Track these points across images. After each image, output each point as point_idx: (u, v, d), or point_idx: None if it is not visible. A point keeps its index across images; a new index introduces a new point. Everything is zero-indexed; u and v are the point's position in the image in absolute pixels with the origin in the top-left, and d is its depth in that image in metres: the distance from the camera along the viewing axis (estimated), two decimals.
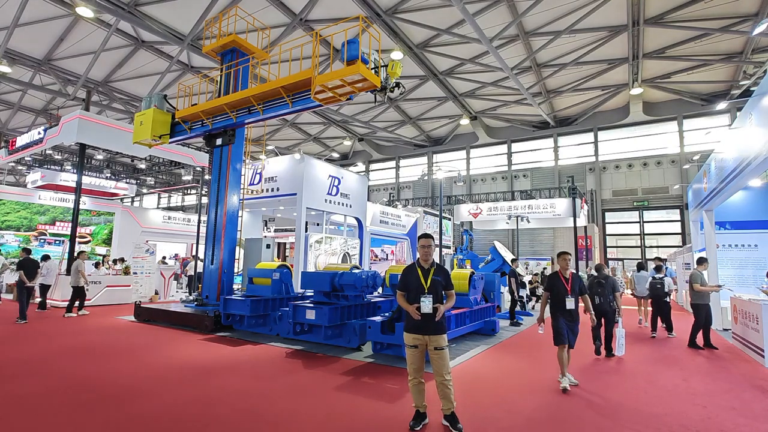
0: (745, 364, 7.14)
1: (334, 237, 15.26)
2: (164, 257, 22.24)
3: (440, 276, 4.15)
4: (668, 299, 9.78)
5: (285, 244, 25.61)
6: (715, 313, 11.05)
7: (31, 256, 10.59)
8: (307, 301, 8.04)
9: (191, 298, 11.05)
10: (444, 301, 4.14)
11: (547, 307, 5.77)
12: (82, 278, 11.28)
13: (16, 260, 15.47)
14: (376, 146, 35.94)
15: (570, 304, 5.48)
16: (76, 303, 11.30)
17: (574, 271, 5.74)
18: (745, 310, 8.09)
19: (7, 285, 15.75)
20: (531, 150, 30.96)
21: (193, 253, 19.21)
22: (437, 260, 4.87)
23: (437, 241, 23.24)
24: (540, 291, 16.84)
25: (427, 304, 3.97)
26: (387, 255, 20.90)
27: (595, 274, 7.74)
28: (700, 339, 8.49)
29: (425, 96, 25.65)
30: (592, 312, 5.88)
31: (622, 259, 27.39)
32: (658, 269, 10.04)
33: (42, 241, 21.36)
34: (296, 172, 13.97)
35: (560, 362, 5.51)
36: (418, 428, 3.95)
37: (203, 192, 19.02)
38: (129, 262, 15.64)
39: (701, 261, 8.88)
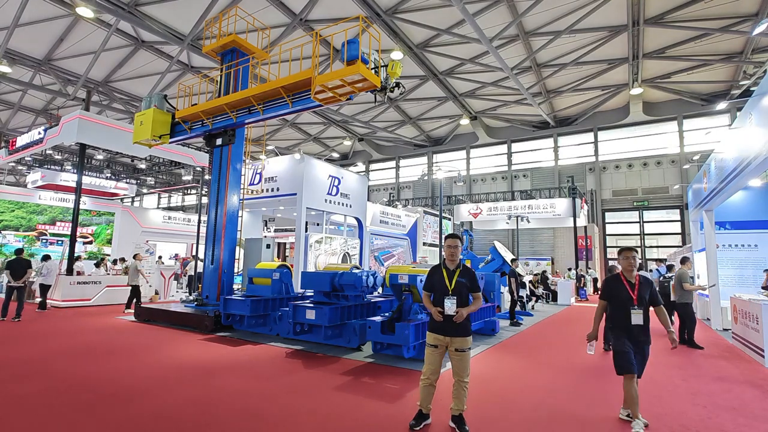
0: (745, 364, 7.14)
1: (334, 237, 15.26)
2: (160, 257, 22.22)
3: (465, 278, 4.07)
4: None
5: (285, 244, 25.61)
6: (714, 313, 11.10)
7: (22, 257, 10.58)
8: (307, 301, 8.04)
9: (191, 298, 11.05)
10: (470, 304, 4.08)
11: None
12: (142, 277, 12.38)
13: None
14: (376, 146, 35.94)
15: (637, 318, 4.12)
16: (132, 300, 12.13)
17: (643, 274, 4.48)
18: (745, 310, 8.08)
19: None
20: (531, 150, 30.95)
21: (193, 253, 19.20)
22: (438, 260, 4.83)
23: (438, 242, 23.31)
24: (540, 291, 16.82)
25: (450, 306, 3.91)
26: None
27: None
28: (698, 339, 8.51)
29: (425, 96, 25.64)
30: (672, 331, 4.32)
31: None
32: (669, 269, 10.31)
33: (45, 241, 21.31)
34: (296, 172, 13.97)
35: (630, 399, 4.07)
36: (419, 428, 3.94)
37: (203, 192, 19.02)
38: (129, 262, 15.63)
39: (685, 260, 8.92)
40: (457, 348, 3.93)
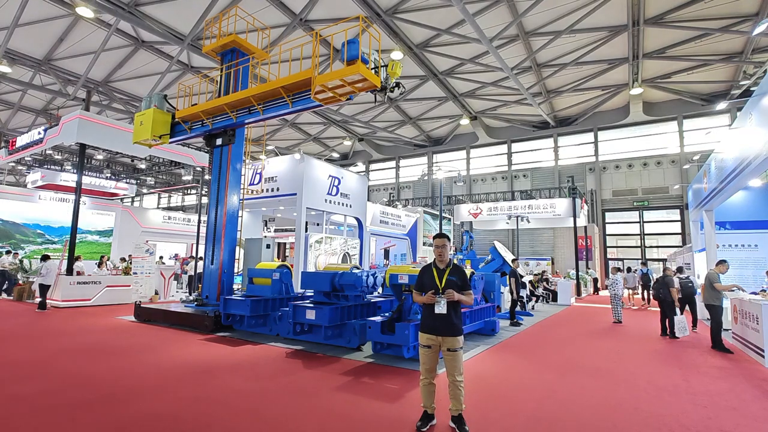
0: (745, 364, 7.14)
1: (334, 237, 15.26)
2: (161, 257, 22.20)
3: (456, 276, 4.13)
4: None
5: (285, 244, 25.60)
6: None
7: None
8: (307, 301, 8.03)
9: (191, 298, 11.04)
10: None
11: None
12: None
13: (17, 263, 15.49)
14: (376, 146, 35.94)
15: None
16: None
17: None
18: (745, 310, 8.08)
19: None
20: (531, 150, 30.96)
21: (193, 254, 19.16)
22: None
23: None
24: (540, 290, 16.79)
25: (441, 305, 3.96)
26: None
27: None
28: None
29: (425, 96, 25.64)
30: None
31: (622, 259, 27.38)
32: (680, 270, 10.96)
33: None
34: (296, 172, 13.97)
35: None
36: (425, 429, 3.94)
37: (203, 192, 19.01)
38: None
39: (721, 263, 8.93)
40: (449, 348, 3.97)
